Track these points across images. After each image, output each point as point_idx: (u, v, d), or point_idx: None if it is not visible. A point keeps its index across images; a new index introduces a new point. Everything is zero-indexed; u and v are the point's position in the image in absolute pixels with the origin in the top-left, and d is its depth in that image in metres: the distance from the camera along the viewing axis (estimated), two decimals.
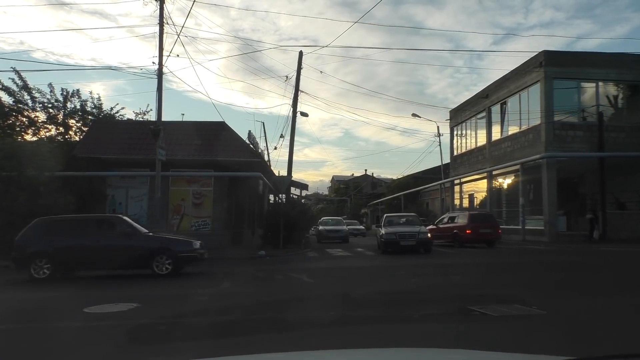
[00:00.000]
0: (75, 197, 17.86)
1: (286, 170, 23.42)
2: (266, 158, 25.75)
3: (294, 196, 28.88)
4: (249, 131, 22.39)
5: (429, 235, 17.86)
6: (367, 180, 77.74)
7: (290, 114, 23.20)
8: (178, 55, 29.89)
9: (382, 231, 18.01)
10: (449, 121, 35.65)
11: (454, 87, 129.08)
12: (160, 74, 17.64)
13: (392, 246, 17.33)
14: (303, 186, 29.36)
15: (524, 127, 24.92)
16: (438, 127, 36.78)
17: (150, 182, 19.96)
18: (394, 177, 70.61)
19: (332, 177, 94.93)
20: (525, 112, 24.64)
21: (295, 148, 22.96)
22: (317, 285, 9.69)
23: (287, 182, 20.70)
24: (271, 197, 41.46)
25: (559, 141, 22.57)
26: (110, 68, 62.40)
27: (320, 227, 26.73)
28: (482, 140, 30.25)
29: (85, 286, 10.56)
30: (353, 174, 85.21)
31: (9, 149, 15.96)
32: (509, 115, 26.96)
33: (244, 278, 11.18)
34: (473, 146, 31.63)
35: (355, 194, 66.45)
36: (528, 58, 24.24)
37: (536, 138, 23.43)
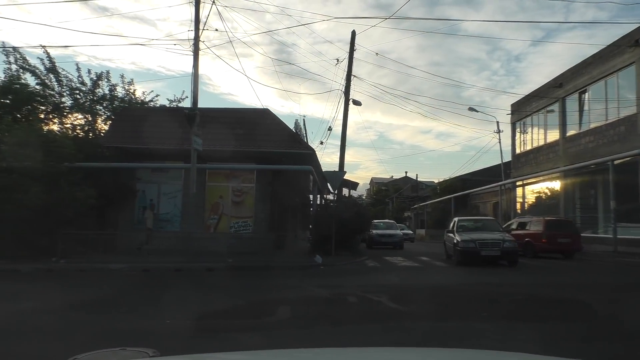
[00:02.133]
0: (100, 192, 15.55)
1: (336, 167, 20.63)
2: None
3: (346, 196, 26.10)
4: (296, 120, 19.73)
5: (516, 244, 14.73)
6: (407, 182, 74.42)
7: (342, 102, 20.40)
8: (217, 30, 26.61)
9: (457, 238, 15.00)
10: (510, 115, 32.20)
11: (490, 91, 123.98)
12: (196, 49, 15.18)
13: (471, 256, 14.33)
14: (353, 185, 26.50)
15: (612, 119, 21.40)
16: (498, 122, 33.34)
17: (185, 176, 17.53)
18: (435, 180, 67.08)
19: (371, 179, 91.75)
20: (614, 100, 21.16)
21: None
22: (413, 316, 6.80)
23: (340, 177, 17.91)
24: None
25: None
26: (139, 44, 59.96)
27: (372, 231, 23.79)
28: (553, 136, 26.77)
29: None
30: (392, 177, 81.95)
31: (22, 136, 13.76)
32: (590, 106, 23.46)
33: (305, 301, 8.37)
34: (541, 143, 28.12)
35: (397, 196, 63.14)
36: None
37: (630, 130, 19.92)
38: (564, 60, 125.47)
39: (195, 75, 15.27)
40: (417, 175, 68.07)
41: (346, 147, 20.30)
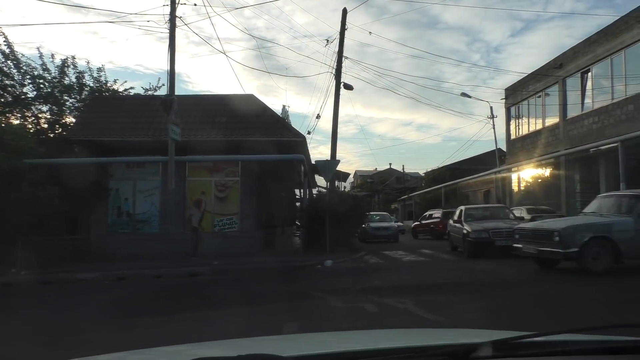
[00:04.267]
0: (68, 191, 13.76)
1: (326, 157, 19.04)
2: None
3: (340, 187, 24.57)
4: (283, 106, 18.10)
5: None
6: (392, 174, 73.16)
7: (333, 87, 18.83)
8: (195, 4, 23.09)
9: (467, 228, 13.59)
10: (504, 100, 30.96)
11: (471, 81, 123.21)
12: (172, 25, 13.46)
13: (485, 247, 12.93)
14: (344, 176, 24.89)
15: (618, 98, 20.18)
16: (491, 107, 32.06)
17: (163, 171, 15.79)
18: (420, 171, 65.88)
19: (355, 172, 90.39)
20: (620, 78, 19.94)
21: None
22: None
23: (334, 167, 16.32)
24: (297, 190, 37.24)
25: None
26: (110, 22, 57.45)
27: (366, 224, 22.27)
28: (552, 119, 25.55)
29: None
30: (376, 169, 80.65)
31: None
32: (594, 85, 22.25)
33: (315, 313, 6.80)
34: (539, 126, 26.90)
35: (383, 188, 61.88)
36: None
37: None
38: (544, 51, 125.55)
39: (171, 56, 13.54)
40: (403, 166, 66.85)
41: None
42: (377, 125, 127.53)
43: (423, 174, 56.97)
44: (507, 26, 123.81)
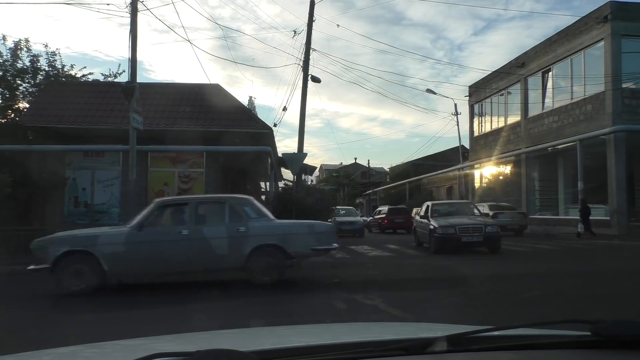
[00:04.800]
0: (21, 180, 13.07)
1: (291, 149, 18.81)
2: None
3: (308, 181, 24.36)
4: (250, 96, 17.76)
5: (498, 228, 13.58)
6: (357, 169, 73.53)
7: (300, 79, 18.59)
8: None
9: (433, 224, 13.62)
10: (468, 98, 31.46)
11: (435, 78, 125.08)
12: (134, 9, 12.91)
13: (451, 243, 13.06)
14: (311, 169, 24.72)
15: (577, 98, 20.77)
16: (455, 104, 32.51)
17: (124, 160, 15.23)
18: (385, 167, 66.49)
19: (320, 166, 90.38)
20: (580, 78, 20.52)
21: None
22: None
23: (301, 160, 16.09)
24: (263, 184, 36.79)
25: (629, 112, 18.48)
26: (67, 3, 55.07)
27: (332, 218, 22.16)
28: (514, 117, 26.10)
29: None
30: (342, 163, 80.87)
31: None
32: (555, 85, 22.84)
33: (281, 310, 6.63)
34: (501, 124, 27.45)
35: (349, 183, 62.09)
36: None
37: (598, 109, 19.32)
38: (504, 50, 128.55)
39: (132, 41, 12.97)
40: (368, 161, 67.08)
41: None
42: (343, 120, 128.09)
43: (388, 169, 57.57)
44: (470, 25, 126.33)
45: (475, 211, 15.08)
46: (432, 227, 13.63)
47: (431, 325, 2.31)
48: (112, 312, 6.73)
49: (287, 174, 26.49)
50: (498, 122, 28.13)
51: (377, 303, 6.48)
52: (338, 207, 25.48)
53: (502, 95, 27.49)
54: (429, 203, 15.84)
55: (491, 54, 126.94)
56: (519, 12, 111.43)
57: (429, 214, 14.57)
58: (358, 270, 10.66)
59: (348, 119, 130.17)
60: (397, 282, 8.77)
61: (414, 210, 34.28)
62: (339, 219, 22.69)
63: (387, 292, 7.41)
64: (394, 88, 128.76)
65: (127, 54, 13.53)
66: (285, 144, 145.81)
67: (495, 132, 28.09)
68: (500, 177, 28.17)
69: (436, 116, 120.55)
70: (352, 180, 63.78)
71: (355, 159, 79.21)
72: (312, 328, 2.53)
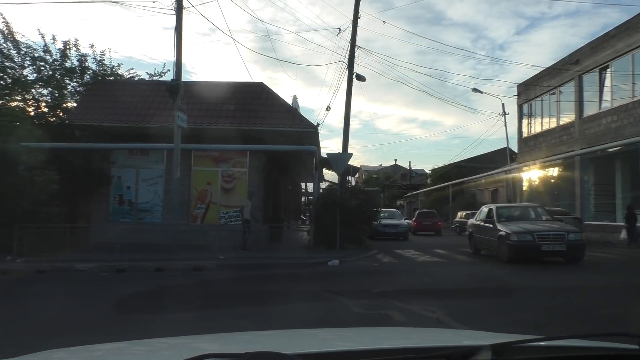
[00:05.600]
0: (68, 177, 13.11)
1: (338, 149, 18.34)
2: None
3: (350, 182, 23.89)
4: (294, 95, 17.38)
5: (581, 235, 12.13)
6: (397, 170, 72.45)
7: (344, 78, 18.12)
8: None
9: (504, 229, 12.17)
10: (516, 97, 30.22)
11: (476, 79, 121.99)
12: (179, 5, 12.76)
13: (529, 252, 11.62)
14: (354, 170, 24.19)
15: (639, 96, 19.47)
16: (503, 104, 31.29)
17: (168, 159, 15.15)
18: (425, 168, 65.13)
19: (360, 167, 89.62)
20: None
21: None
22: None
23: (346, 160, 15.61)
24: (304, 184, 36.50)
25: None
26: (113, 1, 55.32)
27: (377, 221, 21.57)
28: (567, 118, 24.82)
29: None
30: (381, 165, 79.91)
31: None
32: (613, 82, 21.51)
33: (334, 319, 6.15)
34: (553, 125, 26.17)
35: (389, 185, 61.20)
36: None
37: None
38: (548, 49, 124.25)
39: (178, 38, 12.83)
40: (410, 162, 66.05)
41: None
42: (381, 121, 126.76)
43: (429, 171, 56.41)
44: (512, 24, 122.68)
45: (544, 216, 13.56)
46: (502, 233, 12.13)
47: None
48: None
49: (327, 174, 26.12)
50: (549, 123, 26.83)
51: (439, 315, 5.92)
52: (382, 209, 24.84)
53: (553, 94, 26.20)
54: (492, 206, 14.48)
55: (535, 53, 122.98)
56: (564, 10, 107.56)
57: (495, 218, 13.10)
58: (409, 277, 10.06)
59: (387, 120, 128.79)
60: (455, 291, 8.15)
61: (459, 213, 33.40)
62: (382, 221, 22.13)
63: (446, 302, 6.83)
64: (434, 89, 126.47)
65: (170, 57, 13.39)
66: (323, 145, 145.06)
67: (546, 133, 26.81)
68: (551, 181, 26.86)
69: (477, 118, 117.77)
70: (393, 182, 62.84)
71: (395, 160, 77.93)
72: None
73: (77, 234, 13.66)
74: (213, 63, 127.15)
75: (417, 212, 30.93)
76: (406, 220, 27.98)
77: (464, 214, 32.64)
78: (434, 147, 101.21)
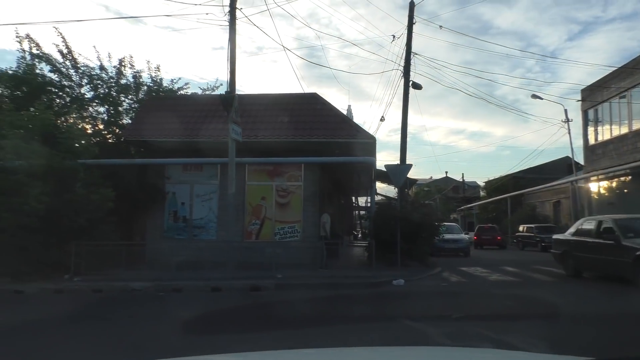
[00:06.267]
0: (122, 194, 12.93)
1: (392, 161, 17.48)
2: None
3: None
4: (349, 106, 16.83)
5: None
6: (448, 183, 70.43)
7: (402, 84, 17.35)
8: None
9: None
10: (580, 102, 28.42)
11: (525, 88, 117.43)
12: (232, 17, 12.43)
13: None
14: (411, 182, 23.23)
15: None
16: (566, 110, 29.56)
17: (222, 174, 14.78)
18: (478, 180, 62.83)
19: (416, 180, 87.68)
20: None
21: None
22: None
23: (406, 172, 14.77)
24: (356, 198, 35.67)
25: None
26: (167, 15, 56.43)
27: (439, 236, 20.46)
28: None
29: None
30: (431, 177, 77.95)
31: (20, 124, 11.21)
32: None
33: None
34: (625, 130, 24.31)
35: (441, 197, 59.47)
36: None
37: None
38: (604, 54, 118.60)
39: (231, 49, 12.49)
40: (462, 174, 64.23)
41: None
42: (429, 133, 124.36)
43: (483, 183, 54.40)
44: (563, 30, 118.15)
45: None
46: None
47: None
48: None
49: (378, 188, 25.24)
50: (619, 129, 24.96)
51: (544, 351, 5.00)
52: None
53: (624, 97, 24.36)
54: (605, 218, 12.13)
55: (589, 59, 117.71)
56: (620, 13, 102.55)
57: (618, 233, 10.78)
58: (488, 300, 9.05)
59: (434, 133, 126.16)
60: (550, 318, 7.12)
61: (520, 227, 31.65)
62: (443, 236, 21.01)
63: (544, 332, 5.88)
64: (483, 99, 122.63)
65: (220, 76, 13.10)
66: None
67: (617, 140, 24.91)
68: (625, 190, 24.90)
69: (529, 128, 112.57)
70: (445, 195, 61.07)
71: (446, 172, 75.90)
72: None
73: (133, 252, 13.44)
74: (260, 81, 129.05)
75: (477, 227, 32.17)
76: (467, 235, 26.59)
77: (525, 227, 30.92)
78: (484, 159, 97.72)
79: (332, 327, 6.46)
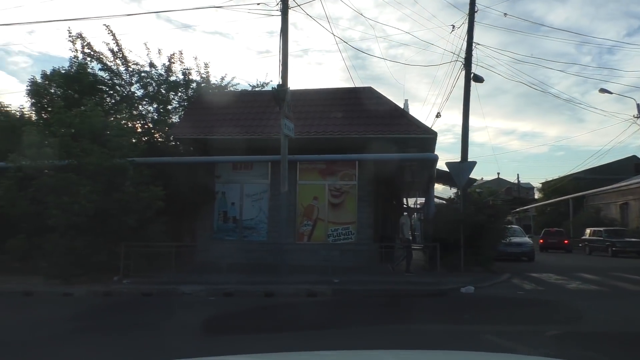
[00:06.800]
0: (171, 194, 12.46)
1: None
2: None
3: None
4: (406, 100, 15.85)
5: None
6: (500, 184, 67.76)
7: (463, 77, 16.24)
8: None
9: None
10: None
11: (580, 86, 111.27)
12: (285, 6, 11.75)
13: None
14: (471, 181, 21.90)
15: None
16: (638, 105, 27.30)
17: (272, 172, 14.14)
18: (531, 182, 59.98)
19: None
20: None
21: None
22: None
23: (469, 170, 13.67)
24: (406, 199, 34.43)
25: None
26: (216, 7, 57.59)
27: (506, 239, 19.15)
28: None
29: None
30: (482, 178, 75.23)
31: (71, 122, 10.91)
32: None
33: None
34: None
35: (494, 199, 57.11)
36: None
37: None
38: None
39: (284, 40, 11.83)
40: (518, 175, 61.45)
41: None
42: (477, 134, 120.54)
43: (540, 184, 51.83)
44: (622, 25, 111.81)
45: None
46: None
47: None
48: None
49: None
50: None
51: None
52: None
53: None
54: None
55: None
56: None
57: None
58: (576, 312, 7.85)
59: (483, 133, 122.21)
60: None
61: (587, 230, 29.53)
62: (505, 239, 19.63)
63: None
64: (534, 98, 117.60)
65: (268, 78, 12.41)
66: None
67: None
68: None
69: (584, 128, 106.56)
70: (498, 197, 58.70)
71: (498, 174, 73.06)
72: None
73: (182, 253, 12.97)
74: (306, 84, 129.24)
75: (543, 230, 32.11)
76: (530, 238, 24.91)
77: (592, 230, 28.85)
78: (536, 160, 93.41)
79: (404, 342, 5.57)
